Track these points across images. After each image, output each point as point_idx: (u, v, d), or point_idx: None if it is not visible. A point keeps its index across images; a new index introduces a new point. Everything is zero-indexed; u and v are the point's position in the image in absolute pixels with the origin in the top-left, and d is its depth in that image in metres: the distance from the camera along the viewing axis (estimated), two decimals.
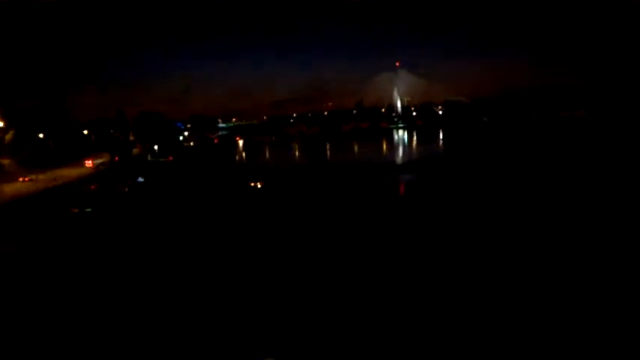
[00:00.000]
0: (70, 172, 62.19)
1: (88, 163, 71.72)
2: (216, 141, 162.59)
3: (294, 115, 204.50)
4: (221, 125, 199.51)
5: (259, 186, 49.15)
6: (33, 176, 57.35)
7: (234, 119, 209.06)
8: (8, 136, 67.09)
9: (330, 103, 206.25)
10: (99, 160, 75.13)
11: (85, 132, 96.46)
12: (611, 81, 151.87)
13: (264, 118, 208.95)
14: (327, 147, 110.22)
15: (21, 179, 56.49)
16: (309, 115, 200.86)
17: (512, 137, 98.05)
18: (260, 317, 16.66)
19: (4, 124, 66.36)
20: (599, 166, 48.49)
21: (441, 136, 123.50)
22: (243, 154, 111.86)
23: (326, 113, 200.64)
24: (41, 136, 73.41)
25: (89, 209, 39.22)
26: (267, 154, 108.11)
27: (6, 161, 61.11)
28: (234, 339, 15.22)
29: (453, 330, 15.12)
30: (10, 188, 50.14)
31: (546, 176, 44.79)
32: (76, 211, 38.75)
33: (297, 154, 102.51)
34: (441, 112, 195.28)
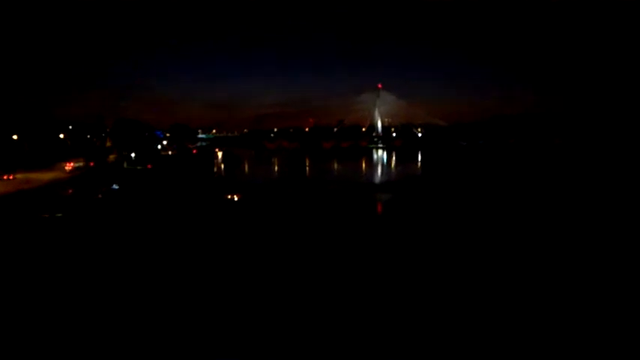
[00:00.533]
0: (43, 176, 60.92)
1: (69, 166, 71.93)
2: (194, 151, 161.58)
3: (275, 129, 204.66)
4: (201, 136, 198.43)
5: (236, 199, 48.85)
6: (17, 175, 58.81)
7: (214, 130, 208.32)
8: None
9: (311, 120, 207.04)
10: (78, 164, 74.48)
11: (62, 136, 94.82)
12: (591, 109, 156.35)
13: (245, 130, 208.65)
14: (307, 163, 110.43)
15: (5, 177, 57.54)
16: (291, 130, 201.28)
17: (487, 162, 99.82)
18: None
19: None
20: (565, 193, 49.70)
21: (419, 158, 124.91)
22: (222, 166, 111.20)
23: (307, 129, 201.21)
24: (15, 137, 71.89)
25: (60, 214, 38.44)
26: (246, 167, 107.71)
27: None
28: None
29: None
30: None
31: (510, 199, 45.90)
32: (47, 216, 37.94)
33: (276, 168, 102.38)
34: (420, 134, 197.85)
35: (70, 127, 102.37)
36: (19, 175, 58.49)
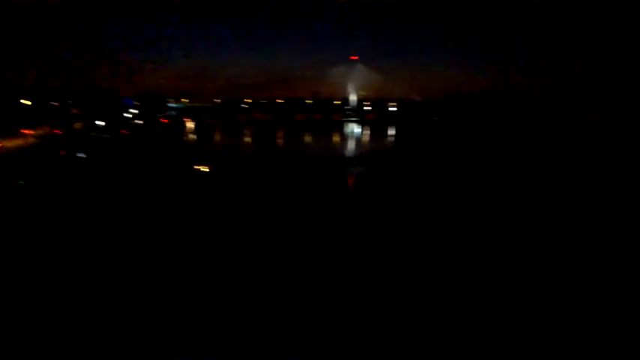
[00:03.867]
0: (7, 143, 59.10)
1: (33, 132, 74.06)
2: (165, 121, 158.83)
3: (248, 100, 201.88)
4: (171, 105, 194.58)
5: (205, 170, 48.29)
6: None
7: (185, 100, 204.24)
8: None
9: (284, 92, 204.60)
10: (42, 131, 73.58)
11: (25, 102, 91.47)
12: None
13: (217, 101, 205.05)
14: (279, 135, 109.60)
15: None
16: (263, 102, 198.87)
17: (458, 137, 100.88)
18: None
19: None
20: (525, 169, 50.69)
21: (391, 132, 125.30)
22: (193, 136, 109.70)
23: (280, 101, 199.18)
24: None
25: (22, 182, 37.50)
26: (217, 137, 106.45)
27: None
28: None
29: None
30: None
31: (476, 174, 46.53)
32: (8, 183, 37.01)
33: (247, 140, 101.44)
34: (394, 109, 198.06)
35: (34, 92, 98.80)
36: None
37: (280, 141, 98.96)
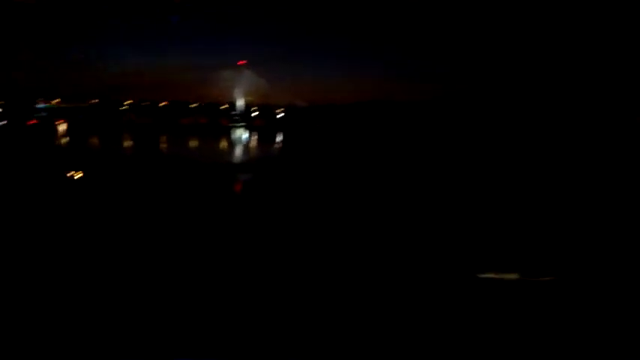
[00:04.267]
0: None
1: None
2: (33, 122, 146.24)
3: (127, 102, 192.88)
4: (41, 106, 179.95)
5: (77, 176, 45.07)
6: None
7: (57, 100, 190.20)
8: None
9: (168, 95, 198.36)
10: None
11: None
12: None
13: (93, 102, 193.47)
14: (161, 139, 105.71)
15: None
16: (145, 104, 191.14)
17: (344, 143, 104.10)
18: None
19: None
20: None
21: (279, 138, 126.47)
22: (64, 140, 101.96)
23: (163, 104, 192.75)
24: None
25: None
26: (92, 141, 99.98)
27: None
28: None
29: None
30: None
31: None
32: None
33: (127, 143, 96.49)
34: (281, 115, 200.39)
35: None
36: None
37: (163, 145, 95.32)
